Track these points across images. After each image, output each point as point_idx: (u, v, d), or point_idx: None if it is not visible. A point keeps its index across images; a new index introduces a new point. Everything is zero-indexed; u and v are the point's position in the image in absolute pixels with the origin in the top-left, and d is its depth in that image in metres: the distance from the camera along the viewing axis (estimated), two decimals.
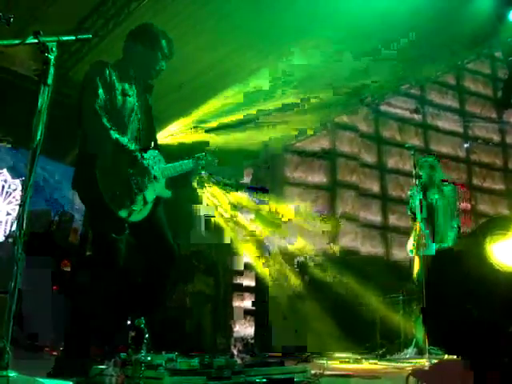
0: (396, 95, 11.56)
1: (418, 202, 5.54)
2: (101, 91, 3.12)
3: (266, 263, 10.68)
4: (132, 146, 3.17)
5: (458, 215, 5.55)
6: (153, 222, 3.35)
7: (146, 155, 3.28)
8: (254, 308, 10.68)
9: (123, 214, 3.08)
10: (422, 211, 5.48)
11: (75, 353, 2.92)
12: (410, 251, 5.67)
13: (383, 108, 12.44)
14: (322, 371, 3.14)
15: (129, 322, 2.83)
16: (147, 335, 2.09)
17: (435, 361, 3.82)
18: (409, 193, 5.83)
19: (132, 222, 3.16)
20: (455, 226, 5.38)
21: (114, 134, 3.08)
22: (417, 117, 13.05)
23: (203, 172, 3.87)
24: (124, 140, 3.13)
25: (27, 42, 2.23)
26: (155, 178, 3.31)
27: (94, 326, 3.01)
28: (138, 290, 3.36)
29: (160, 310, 3.58)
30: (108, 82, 3.19)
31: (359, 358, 6.15)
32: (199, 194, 10.22)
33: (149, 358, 2.14)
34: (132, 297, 3.35)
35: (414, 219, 5.66)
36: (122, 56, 3.45)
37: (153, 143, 3.48)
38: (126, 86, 3.31)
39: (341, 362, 5.70)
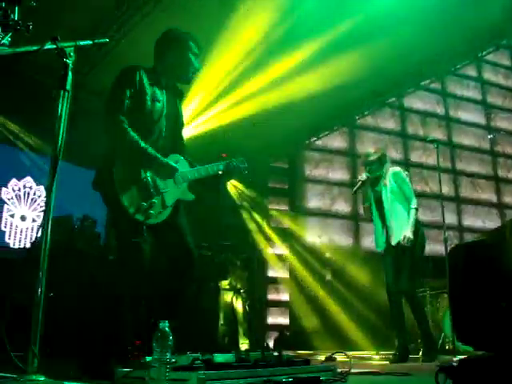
0: (417, 90, 11.43)
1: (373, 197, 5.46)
2: (127, 97, 3.14)
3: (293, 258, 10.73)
4: (150, 148, 3.17)
5: (413, 196, 5.28)
6: (173, 225, 3.33)
7: (167, 159, 3.28)
8: (288, 300, 10.75)
9: (139, 217, 3.06)
10: (376, 204, 5.42)
11: (101, 356, 2.93)
12: (381, 247, 5.40)
13: (404, 103, 12.40)
14: (348, 369, 3.11)
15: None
16: (171, 337, 2.08)
17: (463, 356, 3.77)
18: (359, 187, 5.42)
19: (149, 224, 3.15)
20: (413, 207, 5.19)
21: (133, 135, 3.09)
22: (439, 110, 12.95)
23: (232, 178, 3.82)
24: (142, 142, 3.13)
25: (45, 47, 2.25)
26: (175, 181, 3.30)
27: (121, 329, 3.02)
28: (160, 292, 3.35)
29: (183, 312, 3.54)
30: (138, 87, 3.21)
31: (385, 355, 6.10)
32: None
33: (173, 360, 2.14)
34: (156, 299, 3.35)
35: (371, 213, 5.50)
36: (153, 64, 3.46)
37: (178, 148, 3.47)
38: (157, 91, 3.32)
39: (367, 359, 5.66)
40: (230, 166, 3.61)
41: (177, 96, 3.53)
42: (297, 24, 6.93)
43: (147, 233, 3.13)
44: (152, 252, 3.20)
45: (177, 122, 3.51)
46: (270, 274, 11.14)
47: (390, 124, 12.49)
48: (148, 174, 3.15)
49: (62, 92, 2.29)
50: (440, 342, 6.84)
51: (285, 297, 11.04)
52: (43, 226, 2.17)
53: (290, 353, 3.96)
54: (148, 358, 2.21)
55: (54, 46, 2.26)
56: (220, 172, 3.57)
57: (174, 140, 3.46)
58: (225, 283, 8.11)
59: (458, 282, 2.33)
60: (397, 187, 5.27)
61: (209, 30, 6.58)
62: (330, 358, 3.85)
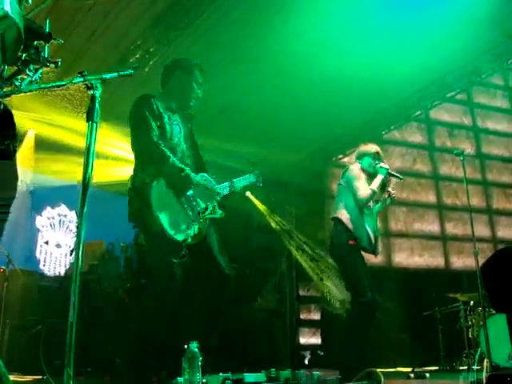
0: (443, 102, 11.36)
1: None
2: (153, 123, 3.23)
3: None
4: (187, 168, 3.24)
5: None
6: (205, 245, 3.35)
7: (197, 177, 3.33)
8: (320, 319, 10.66)
9: (179, 237, 3.10)
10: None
11: (137, 378, 2.97)
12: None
13: (431, 116, 12.31)
14: None
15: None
16: (201, 358, 2.12)
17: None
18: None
19: (188, 244, 3.16)
20: None
21: (172, 156, 3.17)
22: (466, 121, 12.81)
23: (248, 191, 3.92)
24: (178, 162, 3.20)
25: (74, 81, 2.34)
26: (206, 200, 3.34)
27: (154, 352, 3.04)
28: (192, 313, 3.35)
29: (218, 333, 3.51)
30: (157, 114, 3.30)
31: (421, 371, 5.99)
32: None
33: (204, 380, 2.17)
34: (188, 321, 3.34)
35: None
36: (162, 90, 3.57)
37: (199, 167, 3.54)
38: (171, 115, 3.41)
39: (402, 377, 5.56)
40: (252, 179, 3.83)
41: (187, 119, 3.61)
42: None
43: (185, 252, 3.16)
44: (185, 274, 3.21)
45: (192, 143, 3.58)
46: (302, 293, 11.07)
47: (417, 138, 12.39)
48: (185, 195, 3.21)
49: (89, 123, 2.39)
50: (477, 358, 6.69)
51: (317, 316, 10.95)
52: (75, 250, 2.24)
53: (322, 372, 3.94)
54: (179, 380, 2.24)
55: (82, 80, 2.36)
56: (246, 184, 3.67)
57: (195, 160, 3.53)
58: (257, 304, 8.11)
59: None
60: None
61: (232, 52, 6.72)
62: (363, 377, 3.81)
